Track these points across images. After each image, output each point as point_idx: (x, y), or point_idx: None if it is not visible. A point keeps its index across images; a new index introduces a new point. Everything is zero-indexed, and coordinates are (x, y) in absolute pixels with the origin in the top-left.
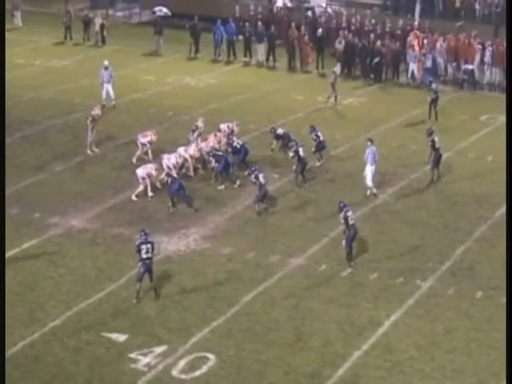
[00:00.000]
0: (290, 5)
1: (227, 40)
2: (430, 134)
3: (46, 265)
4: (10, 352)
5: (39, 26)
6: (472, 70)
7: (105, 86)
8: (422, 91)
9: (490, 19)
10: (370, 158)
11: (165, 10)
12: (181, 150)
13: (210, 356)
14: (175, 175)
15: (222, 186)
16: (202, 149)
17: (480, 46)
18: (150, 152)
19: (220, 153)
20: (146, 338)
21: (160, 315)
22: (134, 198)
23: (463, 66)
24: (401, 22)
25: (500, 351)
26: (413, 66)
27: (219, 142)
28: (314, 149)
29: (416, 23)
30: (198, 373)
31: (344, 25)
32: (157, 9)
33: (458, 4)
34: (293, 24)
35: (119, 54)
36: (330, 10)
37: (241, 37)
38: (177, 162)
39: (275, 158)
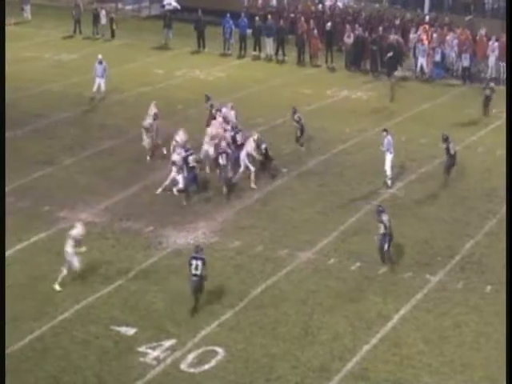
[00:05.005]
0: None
1: (239, 34)
2: (445, 139)
3: (55, 258)
4: (18, 345)
5: (48, 20)
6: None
7: (97, 80)
8: (430, 85)
9: (499, 13)
10: (388, 147)
11: (174, 3)
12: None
13: (219, 350)
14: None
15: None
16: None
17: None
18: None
19: (229, 151)
20: (154, 332)
21: (169, 309)
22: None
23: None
24: (408, 15)
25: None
26: (421, 60)
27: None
28: (299, 133)
29: (427, 17)
30: (206, 366)
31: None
32: (166, 2)
33: None
34: (302, 18)
35: (128, 48)
36: (339, 3)
37: (249, 30)
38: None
39: (283, 153)
